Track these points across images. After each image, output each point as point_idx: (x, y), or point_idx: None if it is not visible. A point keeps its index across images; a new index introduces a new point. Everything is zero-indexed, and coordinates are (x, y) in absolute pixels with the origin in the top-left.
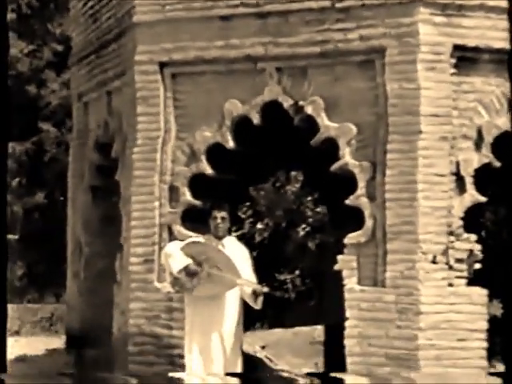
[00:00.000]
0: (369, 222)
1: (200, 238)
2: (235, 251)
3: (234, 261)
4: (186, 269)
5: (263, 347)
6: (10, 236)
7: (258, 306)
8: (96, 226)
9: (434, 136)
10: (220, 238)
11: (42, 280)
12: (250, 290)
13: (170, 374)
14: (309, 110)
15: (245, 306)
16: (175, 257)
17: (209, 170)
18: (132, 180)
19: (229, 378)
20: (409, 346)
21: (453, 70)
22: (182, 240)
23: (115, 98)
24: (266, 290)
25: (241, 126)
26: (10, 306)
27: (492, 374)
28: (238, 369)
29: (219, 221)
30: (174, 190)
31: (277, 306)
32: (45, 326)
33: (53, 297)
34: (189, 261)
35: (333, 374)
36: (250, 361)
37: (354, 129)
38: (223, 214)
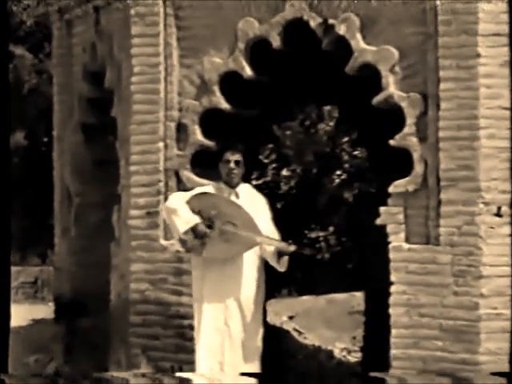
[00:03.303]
0: (419, 167)
1: (209, 188)
2: (251, 202)
3: (252, 214)
4: (193, 230)
5: (291, 317)
6: None
7: (282, 267)
8: (88, 172)
9: (495, 60)
10: (233, 187)
11: (24, 237)
12: (272, 248)
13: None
14: (341, 29)
15: (268, 269)
16: (180, 213)
17: (224, 104)
18: (131, 116)
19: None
20: (468, 316)
21: None
22: (191, 189)
23: (104, 16)
24: (292, 248)
25: (258, 50)
26: None
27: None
28: (259, 344)
29: (232, 165)
30: (182, 129)
31: (307, 269)
32: (28, 293)
33: (37, 257)
34: (196, 219)
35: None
36: (275, 334)
37: (396, 53)
38: (237, 156)
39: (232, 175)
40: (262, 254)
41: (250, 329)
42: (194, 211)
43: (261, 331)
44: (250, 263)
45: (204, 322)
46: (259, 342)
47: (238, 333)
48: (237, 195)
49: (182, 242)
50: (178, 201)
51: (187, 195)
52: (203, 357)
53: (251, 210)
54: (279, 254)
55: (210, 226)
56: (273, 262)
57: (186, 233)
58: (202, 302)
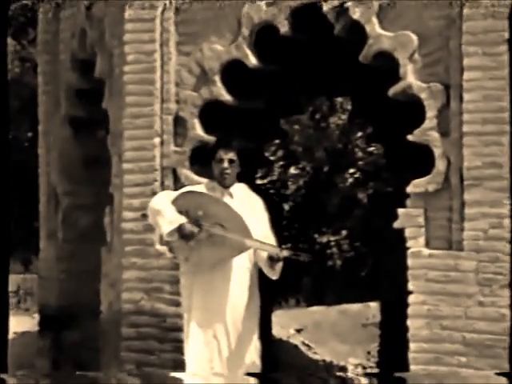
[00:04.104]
0: (440, 165)
1: (200, 187)
2: (246, 203)
3: (244, 215)
4: (178, 230)
5: (299, 330)
6: None
7: (274, 275)
8: (77, 171)
9: None
10: (227, 187)
11: None
12: (266, 254)
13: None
14: (355, 13)
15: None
16: (165, 214)
17: (225, 96)
18: (124, 109)
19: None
20: (494, 328)
21: None
22: (182, 187)
23: None
24: (285, 253)
25: (263, 36)
26: None
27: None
28: (255, 360)
29: (226, 165)
30: (180, 123)
31: (317, 277)
32: (10, 303)
33: (20, 264)
34: (182, 219)
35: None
36: (281, 348)
37: (416, 39)
38: (231, 155)
39: (225, 175)
40: (257, 260)
41: (241, 343)
42: (180, 211)
43: (255, 345)
44: (241, 269)
45: (192, 335)
46: (254, 358)
47: (226, 347)
48: (231, 195)
49: (168, 245)
50: (162, 200)
51: (174, 194)
52: (192, 371)
53: (246, 211)
54: (272, 260)
55: (197, 225)
56: (265, 269)
57: (170, 234)
58: (191, 312)
